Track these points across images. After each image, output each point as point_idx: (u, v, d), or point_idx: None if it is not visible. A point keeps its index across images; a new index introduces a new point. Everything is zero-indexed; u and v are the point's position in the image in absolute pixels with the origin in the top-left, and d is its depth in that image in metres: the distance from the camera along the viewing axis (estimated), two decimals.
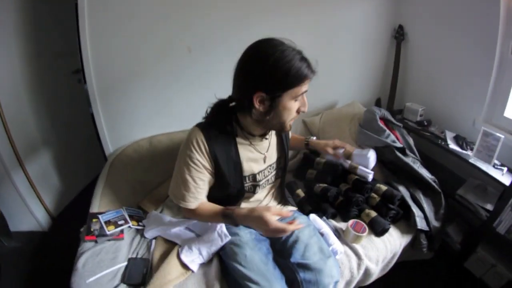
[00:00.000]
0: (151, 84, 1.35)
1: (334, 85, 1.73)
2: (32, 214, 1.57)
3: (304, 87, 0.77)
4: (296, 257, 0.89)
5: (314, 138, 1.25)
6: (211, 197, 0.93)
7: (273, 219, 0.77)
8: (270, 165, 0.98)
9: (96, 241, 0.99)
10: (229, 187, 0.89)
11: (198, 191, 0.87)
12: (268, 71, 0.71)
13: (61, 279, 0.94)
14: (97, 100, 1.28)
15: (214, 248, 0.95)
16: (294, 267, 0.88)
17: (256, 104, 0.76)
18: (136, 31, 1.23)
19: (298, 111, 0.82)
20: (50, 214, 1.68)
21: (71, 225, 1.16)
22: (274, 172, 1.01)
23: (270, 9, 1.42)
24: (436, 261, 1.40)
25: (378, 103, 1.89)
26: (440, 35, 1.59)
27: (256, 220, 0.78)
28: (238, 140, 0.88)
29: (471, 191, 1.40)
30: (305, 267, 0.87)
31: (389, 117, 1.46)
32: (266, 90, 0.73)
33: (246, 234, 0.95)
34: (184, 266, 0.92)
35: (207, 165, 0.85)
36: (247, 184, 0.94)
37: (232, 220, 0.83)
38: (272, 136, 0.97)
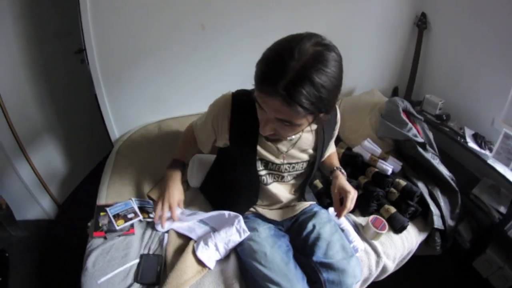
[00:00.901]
0: (159, 64, 1.21)
1: (353, 71, 1.58)
2: (37, 202, 1.48)
3: (260, 98, 0.55)
4: (318, 256, 0.82)
5: (343, 172, 0.95)
6: (233, 178, 0.91)
7: (159, 207, 0.87)
8: (290, 164, 0.86)
9: (105, 237, 0.90)
10: (241, 165, 0.85)
11: (200, 135, 0.92)
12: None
13: (69, 268, 0.89)
14: (101, 81, 1.15)
15: (232, 244, 0.88)
16: (316, 267, 0.81)
17: None
18: (144, 5, 1.07)
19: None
20: (56, 202, 1.60)
21: (77, 212, 1.10)
22: (295, 172, 0.89)
23: None
24: (444, 258, 1.37)
25: (395, 92, 1.78)
26: (464, 26, 1.45)
27: (162, 191, 0.90)
28: None
29: (485, 192, 1.35)
30: (328, 266, 0.81)
31: (411, 109, 1.35)
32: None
33: (265, 230, 0.88)
34: (200, 263, 0.84)
35: (223, 130, 0.79)
36: (260, 169, 0.84)
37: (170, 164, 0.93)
38: (301, 139, 0.82)
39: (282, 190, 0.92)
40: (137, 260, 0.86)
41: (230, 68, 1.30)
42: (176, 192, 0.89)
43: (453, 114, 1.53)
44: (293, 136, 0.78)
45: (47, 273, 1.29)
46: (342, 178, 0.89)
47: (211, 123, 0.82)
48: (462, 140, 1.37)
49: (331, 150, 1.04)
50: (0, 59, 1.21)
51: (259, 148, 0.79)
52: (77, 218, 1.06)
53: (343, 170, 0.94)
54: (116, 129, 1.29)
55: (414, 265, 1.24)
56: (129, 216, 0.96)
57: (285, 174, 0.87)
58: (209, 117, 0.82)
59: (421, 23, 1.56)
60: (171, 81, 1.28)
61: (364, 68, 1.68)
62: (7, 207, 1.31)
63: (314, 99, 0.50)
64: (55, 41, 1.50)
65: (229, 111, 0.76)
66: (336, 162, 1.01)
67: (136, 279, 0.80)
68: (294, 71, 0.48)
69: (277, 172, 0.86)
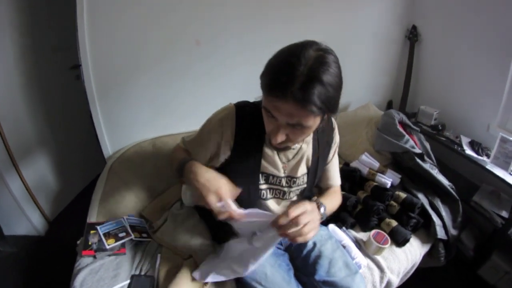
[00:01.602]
0: (155, 80, 1.18)
1: (347, 85, 1.56)
2: (27, 218, 1.40)
3: (272, 105, 0.55)
4: (321, 275, 0.77)
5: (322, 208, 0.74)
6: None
7: (214, 201, 0.60)
8: (291, 178, 0.80)
9: (95, 256, 0.83)
10: (242, 178, 0.73)
11: (195, 148, 0.79)
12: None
13: (57, 286, 0.80)
14: (95, 96, 1.12)
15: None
16: (319, 286, 0.77)
17: None
18: (140, 22, 1.06)
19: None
20: (46, 218, 1.52)
21: (68, 230, 1.04)
22: (295, 188, 0.82)
23: (285, 5, 1.26)
24: (449, 268, 1.31)
25: (390, 105, 1.78)
26: (454, 37, 1.47)
27: (198, 191, 0.62)
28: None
29: (486, 198, 1.32)
30: (332, 285, 0.76)
31: (407, 121, 1.34)
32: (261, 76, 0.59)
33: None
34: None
35: (226, 142, 0.73)
36: (261, 183, 0.78)
37: (181, 170, 0.69)
38: (306, 150, 0.78)
39: (278, 208, 0.86)
40: (128, 281, 0.79)
41: (227, 83, 1.28)
42: (215, 177, 0.64)
43: (449, 123, 1.52)
44: (296, 145, 0.75)
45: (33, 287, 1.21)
46: (308, 205, 0.62)
47: (210, 137, 0.75)
48: (459, 149, 1.35)
49: (335, 182, 0.90)
50: None
51: (262, 160, 0.75)
52: (67, 236, 1.01)
53: (323, 206, 0.72)
54: (110, 146, 1.24)
55: (418, 277, 1.19)
56: (120, 235, 0.90)
57: (286, 189, 0.81)
58: (209, 131, 0.76)
59: (412, 36, 1.58)
60: (166, 97, 1.24)
61: (359, 83, 1.69)
62: None
63: (325, 98, 0.52)
64: (52, 55, 1.48)
65: (233, 122, 0.71)
66: (327, 201, 0.80)
67: None
68: (304, 74, 0.51)
69: (277, 187, 0.81)
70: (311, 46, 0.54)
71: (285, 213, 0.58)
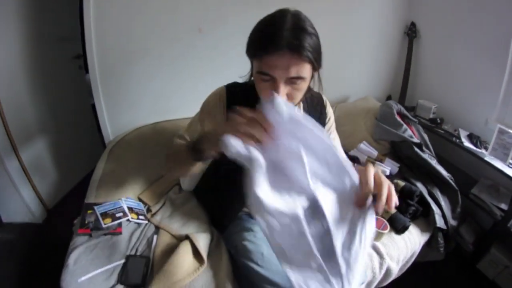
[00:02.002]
0: (156, 67, 1.19)
1: (347, 79, 1.60)
2: (25, 205, 1.38)
3: (267, 65, 0.55)
4: None
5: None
6: (227, 175, 0.74)
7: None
8: None
9: (90, 235, 0.82)
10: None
11: (194, 136, 0.71)
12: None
13: (53, 274, 0.79)
14: (99, 83, 1.12)
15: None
16: None
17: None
18: (144, 8, 1.08)
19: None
20: (45, 206, 1.50)
21: (66, 219, 1.01)
22: None
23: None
24: (448, 262, 1.29)
25: (389, 99, 1.78)
26: (452, 33, 1.48)
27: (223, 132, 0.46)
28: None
29: (485, 191, 1.30)
30: None
31: (405, 112, 1.33)
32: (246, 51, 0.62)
33: (261, 231, 0.80)
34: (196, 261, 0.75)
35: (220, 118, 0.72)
36: None
37: (198, 146, 0.58)
38: None
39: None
40: (123, 261, 0.77)
41: (227, 71, 1.25)
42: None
43: (447, 117, 1.52)
44: None
45: (30, 278, 1.19)
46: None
47: (204, 121, 0.76)
48: (458, 141, 1.34)
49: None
50: (0, 60, 1.18)
51: None
52: (64, 225, 0.98)
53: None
54: (111, 130, 1.24)
55: (418, 271, 1.17)
56: (118, 215, 0.89)
57: None
58: (203, 117, 0.77)
59: (411, 32, 1.59)
60: (168, 83, 1.25)
61: (358, 78, 1.69)
62: None
63: (313, 45, 0.55)
64: (56, 45, 1.48)
65: (224, 103, 0.72)
66: None
67: (120, 280, 0.72)
68: (289, 28, 0.54)
69: None
70: (285, 10, 0.58)
71: (363, 182, 0.43)
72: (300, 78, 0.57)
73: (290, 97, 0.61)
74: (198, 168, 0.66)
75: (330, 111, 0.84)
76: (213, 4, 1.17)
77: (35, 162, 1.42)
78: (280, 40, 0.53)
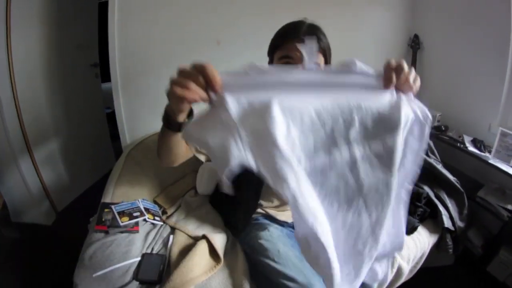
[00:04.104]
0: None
1: None
2: (36, 206, 1.39)
3: (288, 49, 0.66)
4: None
5: None
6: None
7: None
8: None
9: (107, 232, 0.82)
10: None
11: None
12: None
13: (58, 276, 0.79)
14: (119, 87, 1.16)
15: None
16: None
17: None
18: (165, 20, 1.14)
19: None
20: (55, 208, 1.50)
21: (74, 222, 1.03)
22: None
23: (295, 7, 1.34)
24: (457, 267, 1.29)
25: None
26: (454, 44, 1.53)
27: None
28: None
29: (491, 194, 1.30)
30: None
31: None
32: (268, 54, 0.74)
33: (276, 230, 0.81)
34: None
35: None
36: None
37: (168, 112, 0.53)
38: None
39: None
40: (139, 258, 0.77)
41: None
42: None
43: (451, 125, 1.55)
44: None
45: (37, 278, 1.17)
46: None
47: None
48: (462, 146, 1.37)
49: None
50: (21, 59, 1.21)
51: None
52: (73, 228, 0.99)
53: None
54: (128, 135, 1.27)
55: (428, 276, 1.16)
56: (135, 214, 0.89)
57: None
58: None
59: (415, 44, 1.64)
60: None
61: None
62: (4, 207, 1.23)
63: (326, 43, 0.68)
64: (74, 52, 1.53)
65: None
66: None
67: (135, 276, 0.71)
68: (307, 26, 0.67)
69: None
70: (302, 19, 0.70)
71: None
72: (316, 64, 0.64)
73: None
74: (178, 142, 0.60)
75: None
76: (232, 18, 1.24)
77: (47, 162, 1.43)
78: (299, 31, 0.65)
